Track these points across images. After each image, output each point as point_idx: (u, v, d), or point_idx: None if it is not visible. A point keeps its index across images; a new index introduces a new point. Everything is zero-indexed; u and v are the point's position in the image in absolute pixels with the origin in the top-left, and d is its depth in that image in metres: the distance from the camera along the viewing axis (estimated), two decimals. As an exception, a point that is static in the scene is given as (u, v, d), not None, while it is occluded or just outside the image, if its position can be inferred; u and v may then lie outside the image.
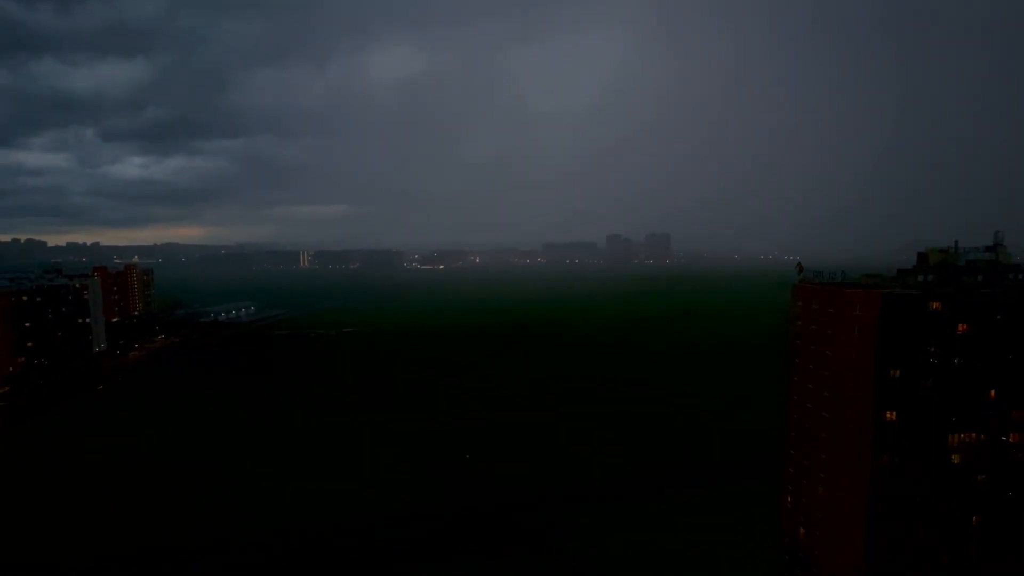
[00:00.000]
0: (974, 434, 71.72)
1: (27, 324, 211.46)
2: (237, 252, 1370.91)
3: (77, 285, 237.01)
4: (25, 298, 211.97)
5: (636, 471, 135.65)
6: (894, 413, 70.59)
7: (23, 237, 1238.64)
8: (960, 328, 70.27)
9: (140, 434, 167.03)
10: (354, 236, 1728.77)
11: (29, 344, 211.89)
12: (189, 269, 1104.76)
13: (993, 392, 71.29)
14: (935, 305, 70.04)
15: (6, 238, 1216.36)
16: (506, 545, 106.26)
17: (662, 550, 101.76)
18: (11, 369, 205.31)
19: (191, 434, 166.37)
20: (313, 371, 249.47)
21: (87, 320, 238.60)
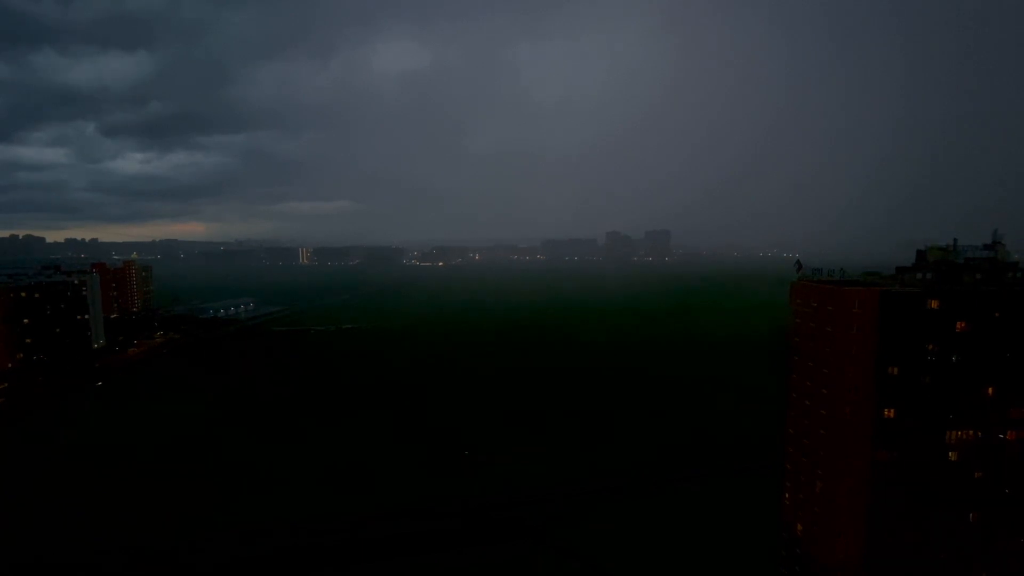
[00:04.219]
0: (972, 431, 71.79)
1: (26, 320, 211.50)
2: (237, 248, 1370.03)
3: (76, 281, 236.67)
4: (24, 294, 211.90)
5: (637, 468, 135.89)
6: (892, 410, 70.69)
7: (21, 233, 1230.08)
8: (959, 326, 70.24)
9: (138, 432, 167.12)
10: (354, 233, 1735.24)
11: (28, 340, 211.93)
12: (188, 265, 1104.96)
13: (991, 389, 71.31)
14: (934, 303, 70.00)
15: (4, 234, 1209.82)
16: (507, 540, 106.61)
17: (663, 546, 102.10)
18: (10, 365, 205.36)
19: (190, 431, 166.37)
20: (312, 368, 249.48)
21: (86, 316, 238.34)
